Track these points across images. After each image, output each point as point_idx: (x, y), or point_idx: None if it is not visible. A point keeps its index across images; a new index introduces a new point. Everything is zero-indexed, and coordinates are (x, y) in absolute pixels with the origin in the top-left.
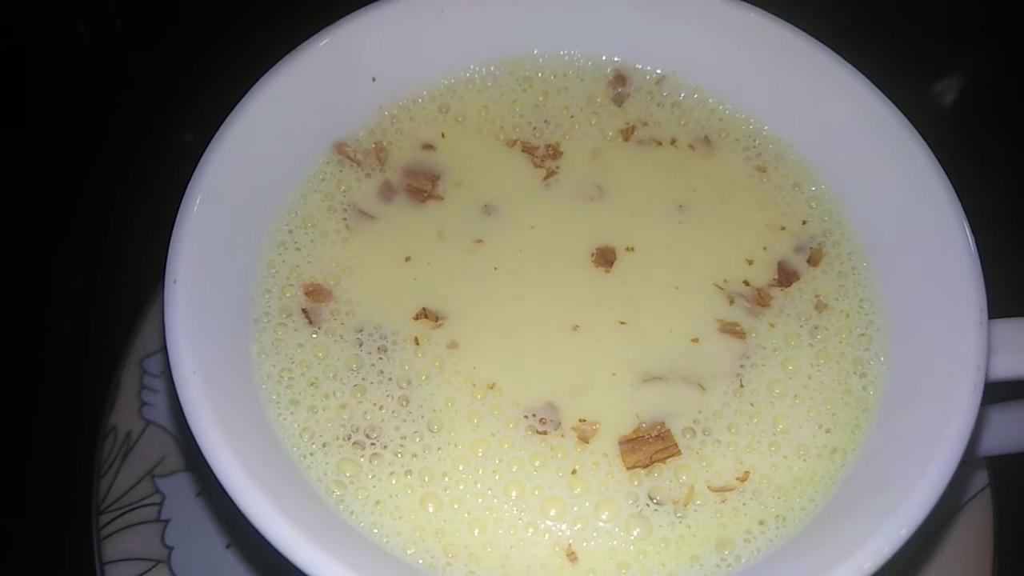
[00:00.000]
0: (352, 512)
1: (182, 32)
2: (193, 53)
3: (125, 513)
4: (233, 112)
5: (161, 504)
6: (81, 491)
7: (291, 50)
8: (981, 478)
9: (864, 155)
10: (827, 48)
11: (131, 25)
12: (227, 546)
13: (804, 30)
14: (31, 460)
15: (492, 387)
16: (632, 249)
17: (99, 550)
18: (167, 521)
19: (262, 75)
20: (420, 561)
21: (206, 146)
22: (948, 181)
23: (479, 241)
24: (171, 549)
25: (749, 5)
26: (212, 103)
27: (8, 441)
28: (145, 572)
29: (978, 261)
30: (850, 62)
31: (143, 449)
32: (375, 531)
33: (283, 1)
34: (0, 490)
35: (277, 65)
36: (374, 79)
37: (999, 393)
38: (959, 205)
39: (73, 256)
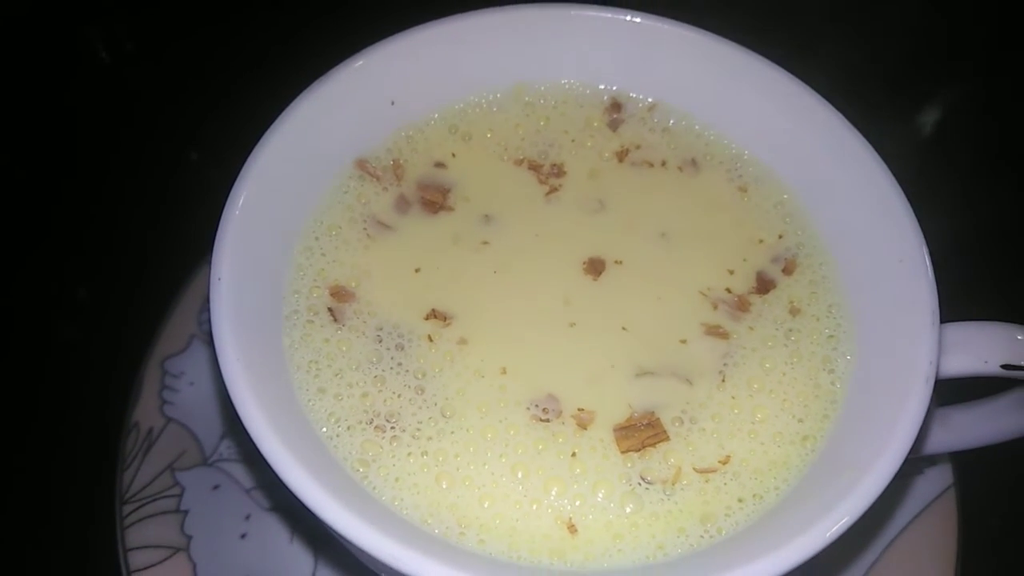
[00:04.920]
0: (375, 487)
1: (192, 57)
2: (201, 77)
3: (146, 504)
4: (268, 131)
5: (180, 496)
6: (105, 483)
7: (298, 76)
8: (946, 477)
9: (833, 177)
10: (801, 81)
11: (142, 49)
12: (242, 536)
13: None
14: (59, 455)
15: (499, 379)
16: (620, 262)
17: (122, 538)
18: (186, 512)
19: (291, 100)
20: (436, 531)
21: (243, 161)
22: (907, 201)
23: (485, 243)
24: (190, 538)
25: (732, 43)
26: (216, 125)
27: (38, 437)
28: (165, 559)
29: (931, 271)
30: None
31: (164, 445)
32: (396, 504)
33: (280, 33)
34: (30, 483)
35: (307, 89)
36: (393, 103)
37: (960, 395)
38: (916, 222)
39: (93, 271)
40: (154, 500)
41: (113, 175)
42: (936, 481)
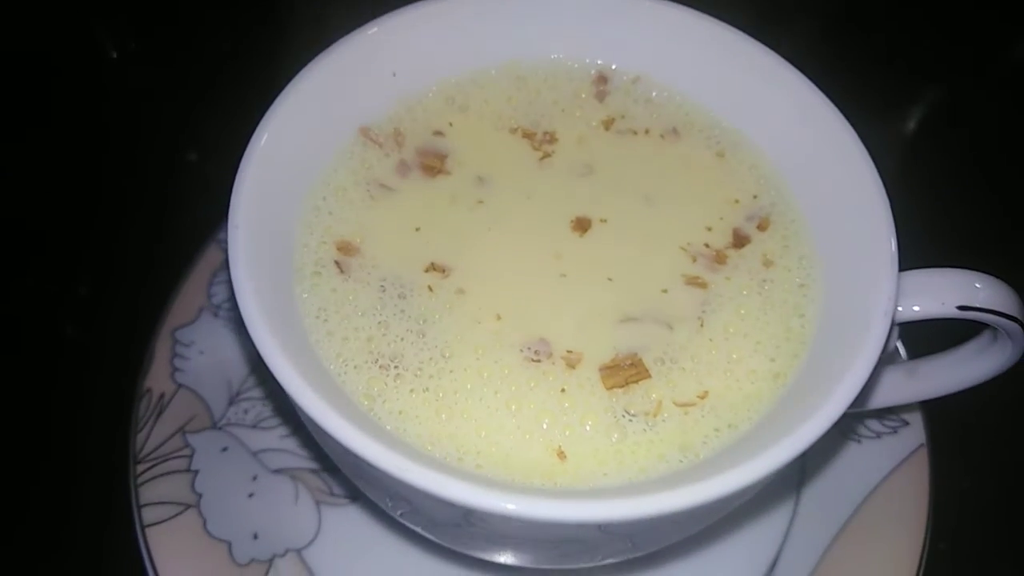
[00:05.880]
0: (380, 418)
1: (191, 58)
2: (198, 79)
3: (159, 463)
4: (278, 98)
5: (191, 456)
6: (120, 445)
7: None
8: (917, 436)
9: (804, 140)
10: (773, 52)
11: (144, 49)
12: (249, 495)
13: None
14: (78, 417)
15: (494, 325)
16: (605, 221)
17: (136, 494)
18: (196, 471)
19: (297, 72)
20: (436, 456)
21: (256, 125)
22: (869, 158)
23: (480, 202)
24: (200, 495)
25: (711, 17)
26: (214, 125)
27: (58, 403)
28: (177, 514)
29: (892, 220)
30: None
31: (175, 409)
32: (399, 432)
33: (281, 33)
34: (50, 445)
35: (313, 60)
36: (394, 74)
37: (926, 347)
38: (878, 177)
39: (110, 248)
40: (166, 460)
41: (120, 163)
42: (908, 439)
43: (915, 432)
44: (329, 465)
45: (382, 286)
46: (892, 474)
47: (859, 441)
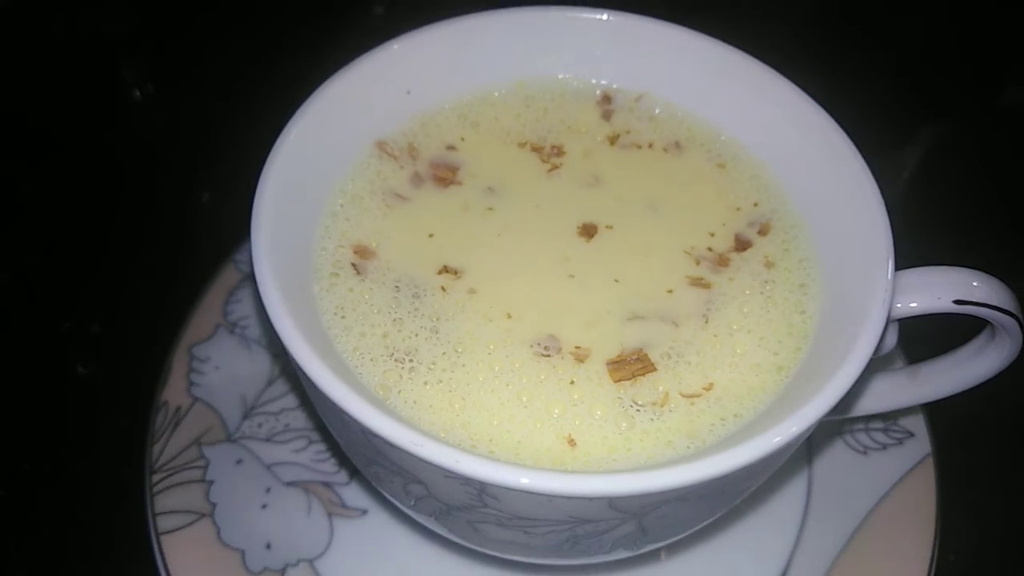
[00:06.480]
0: (395, 407)
1: (202, 101)
2: (211, 121)
3: (174, 474)
4: (298, 111)
5: (206, 467)
6: (136, 455)
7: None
8: (923, 447)
9: (802, 150)
10: (771, 68)
11: (160, 93)
12: (263, 507)
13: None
14: (97, 430)
15: (505, 323)
16: (611, 227)
17: (151, 503)
18: (211, 482)
19: (319, 84)
20: (450, 442)
21: (277, 135)
22: (865, 164)
23: (491, 209)
24: (214, 505)
25: (710, 38)
26: (227, 167)
27: (76, 415)
28: (191, 523)
29: (887, 220)
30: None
31: (191, 421)
32: (414, 420)
33: (293, 75)
34: (70, 455)
35: (333, 76)
36: (408, 92)
37: (927, 353)
38: (875, 184)
39: (128, 270)
40: (181, 470)
41: (139, 185)
42: (914, 450)
43: (920, 443)
44: (343, 466)
45: (397, 286)
46: (899, 484)
47: (865, 453)
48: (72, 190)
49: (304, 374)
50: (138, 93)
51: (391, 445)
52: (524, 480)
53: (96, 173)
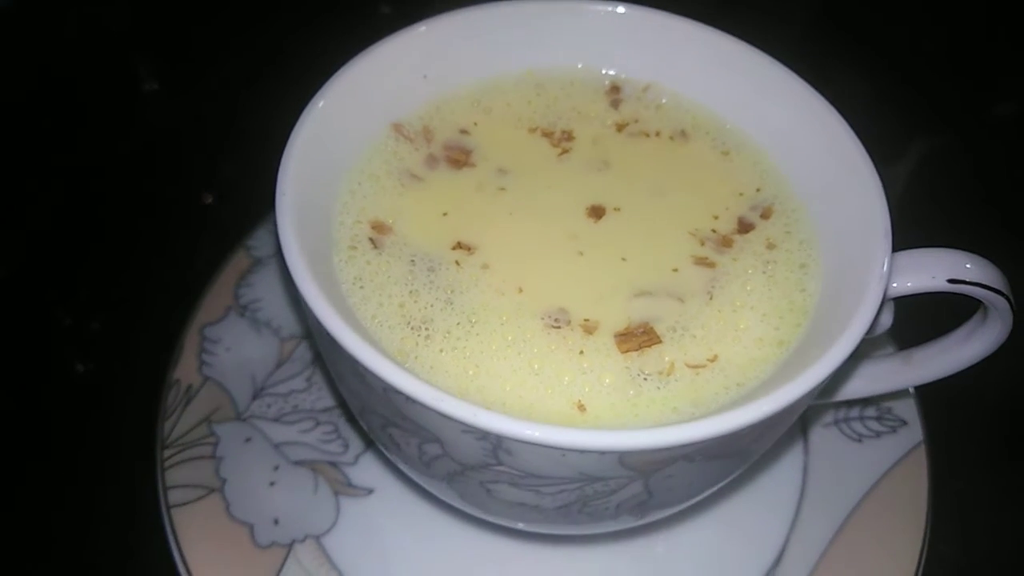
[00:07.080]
0: (413, 371)
1: (212, 95)
2: (216, 119)
3: (185, 449)
4: (318, 93)
5: (216, 444)
6: (148, 431)
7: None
8: (915, 435)
9: (803, 138)
10: (771, 57)
11: (165, 90)
12: (271, 484)
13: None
14: (111, 405)
15: (516, 297)
16: (618, 209)
17: (162, 477)
18: (221, 458)
19: (339, 67)
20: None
21: (300, 113)
22: (864, 150)
23: (502, 189)
24: (224, 480)
25: (715, 29)
26: (231, 168)
27: (90, 391)
28: (201, 497)
29: (886, 206)
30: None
31: (201, 400)
32: (432, 384)
33: (294, 76)
34: (85, 431)
35: (352, 60)
36: (425, 77)
37: (918, 336)
38: (873, 168)
39: (144, 254)
40: (192, 446)
41: (159, 169)
42: (907, 438)
43: (913, 431)
44: (349, 447)
45: (412, 261)
46: (892, 471)
47: (860, 440)
48: (87, 184)
49: (329, 336)
50: (146, 87)
51: (412, 401)
52: (539, 433)
53: (109, 167)
